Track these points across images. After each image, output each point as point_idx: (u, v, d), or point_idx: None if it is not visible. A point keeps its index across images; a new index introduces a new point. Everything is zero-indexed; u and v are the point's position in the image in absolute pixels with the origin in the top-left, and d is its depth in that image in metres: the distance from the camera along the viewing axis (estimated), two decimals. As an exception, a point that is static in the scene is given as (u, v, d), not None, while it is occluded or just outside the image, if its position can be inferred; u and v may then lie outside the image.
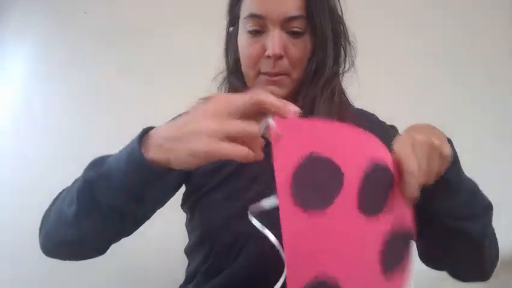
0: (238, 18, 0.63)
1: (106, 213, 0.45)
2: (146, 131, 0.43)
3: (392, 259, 0.40)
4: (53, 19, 1.59)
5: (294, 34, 0.58)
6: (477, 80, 1.48)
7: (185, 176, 0.65)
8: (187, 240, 0.69)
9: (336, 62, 0.63)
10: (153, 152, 0.41)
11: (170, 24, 1.51)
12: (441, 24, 1.50)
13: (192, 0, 1.51)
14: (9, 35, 1.61)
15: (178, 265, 0.72)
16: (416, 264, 1.28)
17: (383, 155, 0.39)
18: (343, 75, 0.66)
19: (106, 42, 1.54)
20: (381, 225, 0.39)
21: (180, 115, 0.44)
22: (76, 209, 0.46)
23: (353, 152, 0.38)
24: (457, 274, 0.56)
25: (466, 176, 0.51)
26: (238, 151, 0.37)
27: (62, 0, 1.59)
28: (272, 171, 0.56)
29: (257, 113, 0.39)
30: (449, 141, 0.47)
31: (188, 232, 0.69)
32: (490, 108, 1.47)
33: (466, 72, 1.47)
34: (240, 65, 0.64)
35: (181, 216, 0.71)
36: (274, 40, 0.56)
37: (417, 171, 0.38)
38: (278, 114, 0.37)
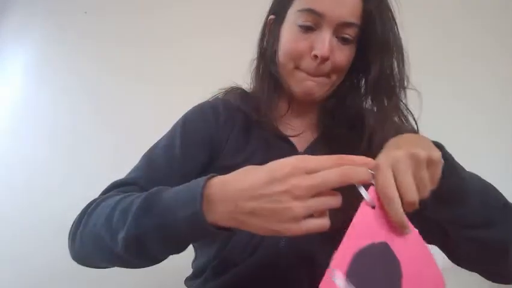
0: (287, 8, 0.60)
1: (152, 257, 0.46)
2: (207, 180, 0.40)
3: None
4: (54, 19, 1.59)
5: (344, 40, 0.58)
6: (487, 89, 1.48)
7: (204, 167, 0.62)
8: None
9: (391, 75, 0.60)
10: (220, 220, 0.38)
11: (170, 24, 1.51)
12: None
13: (192, 2, 1.51)
14: (10, 35, 1.61)
15: (184, 257, 0.71)
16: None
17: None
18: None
19: (106, 42, 1.54)
20: None
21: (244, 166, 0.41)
22: (122, 249, 0.44)
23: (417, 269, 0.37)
24: (487, 276, 0.54)
25: (471, 177, 0.48)
26: (320, 225, 0.36)
27: (62, 0, 1.60)
28: None
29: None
30: (440, 146, 0.46)
31: None
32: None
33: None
34: (275, 55, 0.63)
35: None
36: (326, 42, 0.55)
37: (396, 198, 0.36)
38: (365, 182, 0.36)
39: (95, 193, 1.46)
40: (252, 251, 0.56)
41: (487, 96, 1.44)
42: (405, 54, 0.60)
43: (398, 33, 0.60)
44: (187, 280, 0.67)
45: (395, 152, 0.38)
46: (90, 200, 0.56)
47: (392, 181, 0.36)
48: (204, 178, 0.40)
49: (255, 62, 0.68)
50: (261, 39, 0.67)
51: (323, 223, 0.36)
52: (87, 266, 0.54)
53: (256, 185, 0.36)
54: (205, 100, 0.69)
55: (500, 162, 1.36)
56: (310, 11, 0.56)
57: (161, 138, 0.64)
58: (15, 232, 1.37)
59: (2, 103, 1.55)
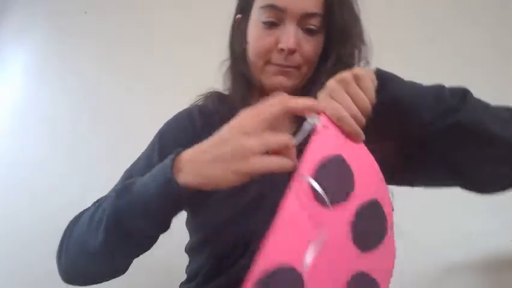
0: (251, 6, 0.62)
1: (135, 241, 0.46)
2: (175, 156, 0.43)
3: (365, 234, 0.43)
4: (54, 19, 1.59)
5: (309, 31, 0.58)
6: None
7: None
8: (188, 238, 0.68)
9: (351, 61, 0.62)
10: (189, 178, 0.41)
11: (170, 24, 1.51)
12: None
13: (191, 2, 1.51)
14: (10, 35, 1.62)
15: (179, 263, 0.72)
16: (416, 264, 1.29)
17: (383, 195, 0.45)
18: None
19: (106, 42, 1.54)
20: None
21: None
22: (104, 238, 0.45)
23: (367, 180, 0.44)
24: (487, 176, 0.51)
25: (414, 83, 0.52)
26: (281, 164, 0.39)
27: (62, 0, 1.60)
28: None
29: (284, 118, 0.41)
30: (377, 69, 0.51)
31: (188, 231, 0.69)
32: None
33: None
34: (245, 54, 0.64)
35: (182, 214, 0.71)
36: (290, 34, 0.56)
37: (345, 114, 0.43)
38: (310, 112, 0.41)
39: (94, 193, 1.47)
40: (242, 253, 0.56)
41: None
42: (368, 45, 0.62)
43: (359, 23, 0.62)
44: (182, 285, 0.68)
45: (327, 84, 0.46)
46: (88, 203, 0.58)
47: (336, 104, 0.44)
48: (173, 153, 0.43)
49: (227, 62, 0.69)
50: (231, 40, 0.68)
51: (283, 162, 0.39)
52: (77, 284, 0.54)
53: (214, 139, 0.42)
54: (183, 109, 0.70)
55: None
56: (271, 7, 0.57)
57: (142, 153, 0.65)
58: (14, 231, 1.37)
59: (2, 103, 1.55)
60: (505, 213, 1.31)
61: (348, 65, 0.58)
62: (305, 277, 0.38)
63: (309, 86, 0.62)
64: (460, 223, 1.29)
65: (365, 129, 0.46)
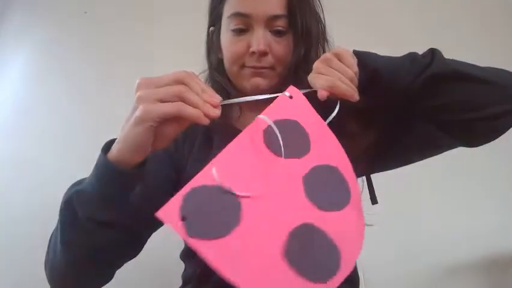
0: (220, 17, 0.64)
1: (88, 228, 0.44)
2: (107, 144, 0.46)
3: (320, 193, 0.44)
4: (54, 19, 1.59)
5: (277, 33, 0.61)
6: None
7: (174, 184, 0.64)
8: (183, 246, 0.69)
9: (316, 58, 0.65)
10: (116, 153, 0.43)
11: (170, 23, 1.51)
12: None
13: (190, 2, 1.51)
14: (10, 35, 1.62)
15: (175, 270, 0.72)
16: (415, 265, 1.29)
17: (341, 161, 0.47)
18: None
19: (106, 42, 1.54)
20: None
21: None
22: (61, 231, 0.46)
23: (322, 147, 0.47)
24: (495, 113, 0.51)
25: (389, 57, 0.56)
26: (177, 107, 0.40)
27: (62, 0, 1.60)
28: None
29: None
30: (356, 51, 0.55)
31: None
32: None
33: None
34: (223, 63, 0.66)
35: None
36: (259, 37, 0.59)
37: (337, 82, 0.47)
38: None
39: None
40: None
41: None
42: (330, 42, 0.67)
43: (321, 22, 0.65)
44: None
45: (314, 64, 0.51)
46: None
47: (326, 76, 0.49)
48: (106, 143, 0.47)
49: (206, 73, 0.71)
50: (207, 51, 0.71)
51: (178, 104, 0.40)
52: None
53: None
54: None
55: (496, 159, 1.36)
56: (237, 15, 0.59)
57: None
58: (15, 231, 1.37)
59: (2, 103, 1.55)
60: (506, 213, 1.31)
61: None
62: (242, 203, 0.39)
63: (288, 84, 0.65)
64: (461, 223, 1.29)
65: (355, 114, 0.50)
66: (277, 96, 0.48)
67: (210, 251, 0.35)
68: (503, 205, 1.32)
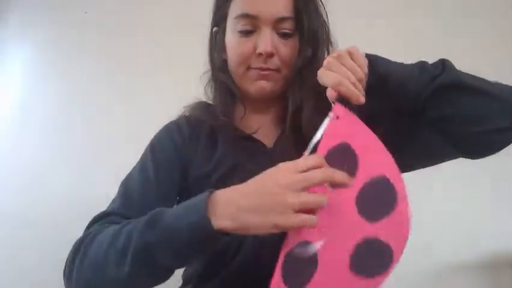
0: (225, 17, 0.64)
1: (161, 273, 0.48)
2: (209, 195, 0.44)
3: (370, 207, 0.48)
4: (54, 19, 1.59)
5: (284, 35, 0.61)
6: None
7: (180, 189, 0.65)
8: None
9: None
10: (226, 223, 0.42)
11: (170, 23, 1.51)
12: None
13: (190, 3, 1.51)
14: (10, 35, 1.61)
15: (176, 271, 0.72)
16: (415, 265, 1.28)
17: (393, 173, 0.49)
18: None
19: (106, 42, 1.54)
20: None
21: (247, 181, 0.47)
22: (130, 270, 0.45)
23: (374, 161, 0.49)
24: (495, 129, 0.52)
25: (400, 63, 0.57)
26: (310, 220, 0.41)
27: (63, 0, 1.60)
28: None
29: None
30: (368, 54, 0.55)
31: None
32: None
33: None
34: (227, 64, 0.66)
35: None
36: (267, 38, 0.59)
37: (339, 78, 0.48)
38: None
39: (96, 193, 1.46)
40: (236, 251, 0.57)
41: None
42: (335, 44, 0.67)
43: (325, 24, 0.66)
44: None
45: (326, 59, 0.52)
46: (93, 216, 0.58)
47: (334, 73, 0.49)
48: (207, 191, 0.45)
49: (209, 73, 0.71)
50: (210, 52, 0.71)
51: (312, 218, 0.41)
52: None
53: (253, 186, 0.44)
54: (170, 121, 0.72)
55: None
56: (245, 16, 0.59)
57: (136, 165, 0.66)
58: (15, 231, 1.37)
59: (2, 103, 1.55)
60: (506, 214, 1.31)
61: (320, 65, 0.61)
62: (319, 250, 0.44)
63: (294, 87, 0.64)
64: (461, 223, 1.29)
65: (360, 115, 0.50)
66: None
67: None
68: (503, 205, 1.32)
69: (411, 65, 0.55)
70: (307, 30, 0.60)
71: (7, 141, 1.50)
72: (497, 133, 0.52)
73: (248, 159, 0.61)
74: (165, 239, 0.44)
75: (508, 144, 0.54)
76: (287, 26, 0.60)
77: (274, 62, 0.61)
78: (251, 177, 0.60)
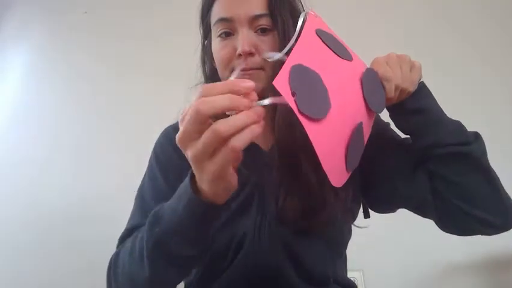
0: (210, 27, 0.65)
1: (180, 263, 0.48)
2: (191, 177, 0.44)
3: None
4: (54, 19, 1.59)
5: (262, 32, 0.61)
6: (490, 80, 1.47)
7: None
8: None
9: None
10: (205, 192, 0.42)
11: (170, 23, 1.50)
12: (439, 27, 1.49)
13: (189, 5, 1.52)
14: (10, 35, 1.61)
15: None
16: (415, 265, 1.28)
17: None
18: None
19: (106, 42, 1.54)
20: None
21: None
22: (150, 268, 0.48)
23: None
24: (481, 218, 0.54)
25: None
26: (250, 134, 0.36)
27: (62, 0, 1.60)
28: (260, 176, 0.58)
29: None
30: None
31: None
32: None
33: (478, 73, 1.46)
34: (217, 74, 0.67)
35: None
36: (243, 38, 0.59)
37: (392, 75, 0.51)
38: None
39: (96, 193, 1.45)
40: (235, 254, 0.58)
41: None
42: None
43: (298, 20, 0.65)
44: None
45: (390, 54, 0.54)
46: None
47: (389, 68, 0.52)
48: (188, 176, 0.45)
49: (202, 83, 0.72)
50: (202, 63, 0.72)
51: (252, 131, 0.36)
52: None
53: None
54: (169, 125, 0.73)
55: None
56: (220, 20, 0.61)
57: (144, 175, 0.68)
58: (15, 231, 1.38)
59: (2, 103, 1.56)
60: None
61: None
62: (328, 90, 0.41)
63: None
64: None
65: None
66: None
67: (314, 130, 0.39)
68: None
69: (450, 118, 0.57)
70: (282, 24, 0.60)
71: (8, 141, 1.50)
72: (483, 223, 0.54)
73: (244, 163, 0.61)
74: (172, 230, 0.45)
75: (476, 234, 0.56)
76: (263, 22, 0.60)
77: (256, 60, 0.60)
78: (247, 181, 0.60)
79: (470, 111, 1.34)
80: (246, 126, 0.36)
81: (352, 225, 0.62)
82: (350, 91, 0.46)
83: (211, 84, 0.38)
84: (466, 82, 1.38)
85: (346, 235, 0.61)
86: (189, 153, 0.39)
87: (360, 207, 0.64)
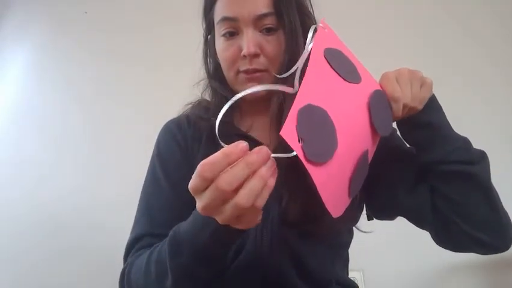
0: (213, 24, 0.64)
1: (204, 283, 0.48)
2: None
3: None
4: (54, 19, 1.59)
5: (267, 31, 0.59)
6: (488, 79, 1.47)
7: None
8: None
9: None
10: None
11: (170, 22, 1.51)
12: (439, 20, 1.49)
13: (191, 2, 1.51)
14: (10, 35, 1.62)
15: None
16: (415, 265, 1.28)
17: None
18: None
19: (106, 42, 1.54)
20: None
21: None
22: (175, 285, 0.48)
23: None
24: (478, 238, 0.54)
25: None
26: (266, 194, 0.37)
27: (63, 0, 1.60)
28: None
29: None
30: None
31: None
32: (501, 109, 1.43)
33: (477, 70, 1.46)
34: (221, 70, 0.65)
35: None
36: (248, 39, 0.58)
37: (400, 96, 0.48)
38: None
39: (97, 193, 1.45)
40: (235, 256, 0.57)
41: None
42: None
43: (311, 16, 0.63)
44: None
45: (401, 69, 0.51)
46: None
47: (398, 87, 0.49)
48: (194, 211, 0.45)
49: (206, 79, 0.71)
50: (204, 59, 0.71)
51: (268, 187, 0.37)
52: None
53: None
54: (169, 120, 0.71)
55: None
56: (224, 19, 0.59)
57: (147, 174, 0.66)
58: (15, 230, 1.38)
59: (2, 103, 1.55)
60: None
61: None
62: (336, 127, 0.40)
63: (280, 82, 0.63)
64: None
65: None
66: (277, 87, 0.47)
67: (320, 175, 0.38)
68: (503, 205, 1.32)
69: (458, 134, 0.56)
70: (289, 23, 0.59)
71: (8, 141, 1.50)
72: (479, 243, 0.53)
73: None
74: (198, 259, 0.45)
75: (478, 254, 0.56)
76: (268, 22, 0.58)
77: (261, 61, 0.59)
78: None
79: (479, 112, 1.36)
80: (265, 185, 0.36)
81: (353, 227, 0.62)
82: (357, 120, 0.44)
83: (210, 164, 0.38)
84: (476, 83, 1.38)
85: (347, 236, 0.61)
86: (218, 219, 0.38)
87: (362, 210, 0.63)
